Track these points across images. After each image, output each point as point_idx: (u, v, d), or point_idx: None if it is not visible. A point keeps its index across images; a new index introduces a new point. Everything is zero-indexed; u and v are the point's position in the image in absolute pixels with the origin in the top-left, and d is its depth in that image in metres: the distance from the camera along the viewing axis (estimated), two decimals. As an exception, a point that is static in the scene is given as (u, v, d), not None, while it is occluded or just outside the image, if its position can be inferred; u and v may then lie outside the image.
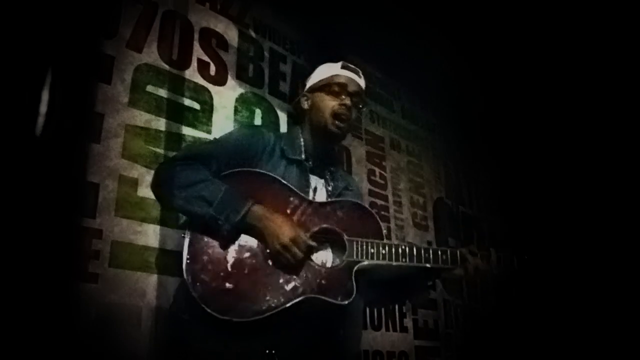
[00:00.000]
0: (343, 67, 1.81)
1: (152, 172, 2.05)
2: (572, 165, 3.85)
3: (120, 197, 2.02)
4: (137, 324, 1.93)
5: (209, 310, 1.44)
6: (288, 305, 1.48)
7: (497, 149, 4.18)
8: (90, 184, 1.95)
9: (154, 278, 2.03)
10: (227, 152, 1.65)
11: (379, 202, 3.24)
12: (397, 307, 3.07)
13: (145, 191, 2.08)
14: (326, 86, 1.79)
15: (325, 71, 1.83)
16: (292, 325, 1.50)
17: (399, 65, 3.46)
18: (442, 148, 3.97)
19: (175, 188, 1.52)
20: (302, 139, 1.80)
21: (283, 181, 1.63)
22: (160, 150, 2.18)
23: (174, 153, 2.07)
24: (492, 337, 3.48)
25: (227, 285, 1.48)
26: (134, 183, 2.07)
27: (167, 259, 2.08)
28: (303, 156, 1.76)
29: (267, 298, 1.48)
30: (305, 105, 1.84)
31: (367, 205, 1.80)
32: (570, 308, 3.67)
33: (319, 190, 1.77)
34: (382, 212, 3.21)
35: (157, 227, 2.09)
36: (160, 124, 2.22)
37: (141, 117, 2.16)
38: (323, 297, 1.52)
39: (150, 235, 2.07)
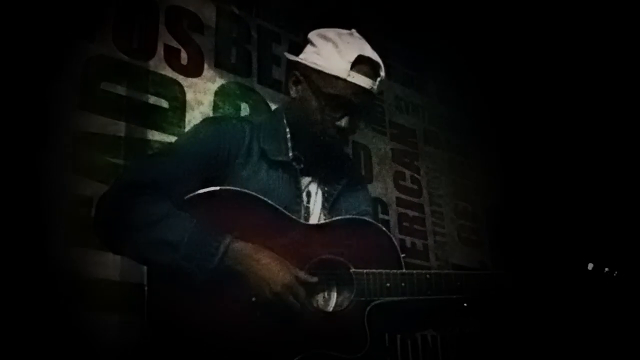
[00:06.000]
0: (355, 66, 1.61)
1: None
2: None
3: (71, 221, 2.04)
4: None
5: None
6: None
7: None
8: (33, 206, 1.97)
9: (114, 318, 2.04)
10: (192, 165, 1.58)
11: (412, 213, 3.19)
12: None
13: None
14: (320, 90, 1.63)
15: (330, 58, 1.64)
16: None
17: (432, 37, 3.40)
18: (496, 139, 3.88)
19: (129, 230, 1.45)
20: (288, 133, 1.71)
21: (268, 201, 1.57)
22: (120, 161, 2.20)
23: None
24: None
25: (211, 347, 1.43)
26: (88, 202, 2.07)
27: (131, 295, 2.04)
28: (291, 155, 1.69)
29: (264, 358, 1.45)
30: (293, 91, 1.72)
31: (375, 221, 1.75)
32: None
33: (313, 195, 1.73)
34: (416, 226, 3.17)
35: (118, 257, 2.05)
36: (120, 128, 2.24)
37: (95, 122, 2.19)
38: (330, 352, 1.48)
39: (109, 266, 2.08)
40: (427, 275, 1.60)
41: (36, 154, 2.04)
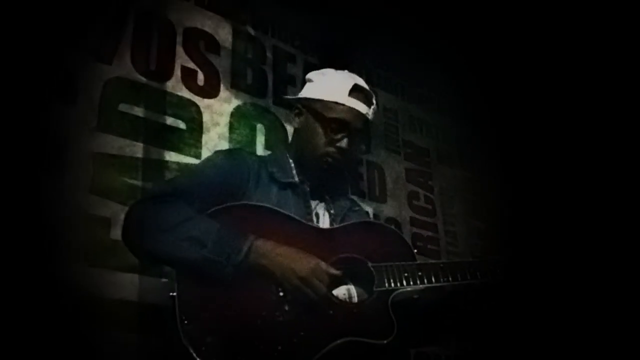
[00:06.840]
0: (352, 93, 1.80)
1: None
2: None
3: (89, 241, 2.08)
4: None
5: None
6: (323, 352, 1.50)
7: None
8: (52, 226, 2.01)
9: (132, 339, 2.08)
10: (209, 184, 1.70)
11: (426, 233, 3.22)
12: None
13: (120, 233, 2.14)
14: (324, 115, 1.79)
15: (329, 88, 1.83)
16: None
17: (446, 56, 3.42)
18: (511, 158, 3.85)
19: (157, 232, 1.54)
20: (290, 161, 1.87)
21: (282, 211, 1.69)
22: (138, 182, 2.25)
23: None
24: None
25: (244, 343, 1.48)
26: (106, 223, 2.14)
27: (148, 316, 2.11)
28: (297, 179, 1.83)
29: (296, 350, 1.49)
30: (296, 123, 1.89)
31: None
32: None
33: (321, 216, 1.84)
34: (430, 246, 3.18)
35: (135, 277, 2.15)
36: (137, 149, 2.29)
37: (113, 143, 2.24)
38: (361, 339, 1.55)
39: (127, 286, 2.13)
40: (441, 265, 1.71)
41: (54, 174, 2.08)
